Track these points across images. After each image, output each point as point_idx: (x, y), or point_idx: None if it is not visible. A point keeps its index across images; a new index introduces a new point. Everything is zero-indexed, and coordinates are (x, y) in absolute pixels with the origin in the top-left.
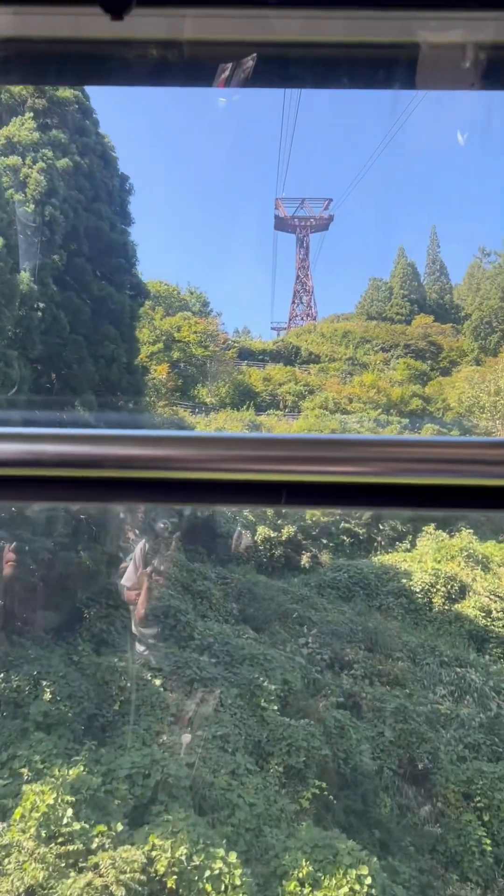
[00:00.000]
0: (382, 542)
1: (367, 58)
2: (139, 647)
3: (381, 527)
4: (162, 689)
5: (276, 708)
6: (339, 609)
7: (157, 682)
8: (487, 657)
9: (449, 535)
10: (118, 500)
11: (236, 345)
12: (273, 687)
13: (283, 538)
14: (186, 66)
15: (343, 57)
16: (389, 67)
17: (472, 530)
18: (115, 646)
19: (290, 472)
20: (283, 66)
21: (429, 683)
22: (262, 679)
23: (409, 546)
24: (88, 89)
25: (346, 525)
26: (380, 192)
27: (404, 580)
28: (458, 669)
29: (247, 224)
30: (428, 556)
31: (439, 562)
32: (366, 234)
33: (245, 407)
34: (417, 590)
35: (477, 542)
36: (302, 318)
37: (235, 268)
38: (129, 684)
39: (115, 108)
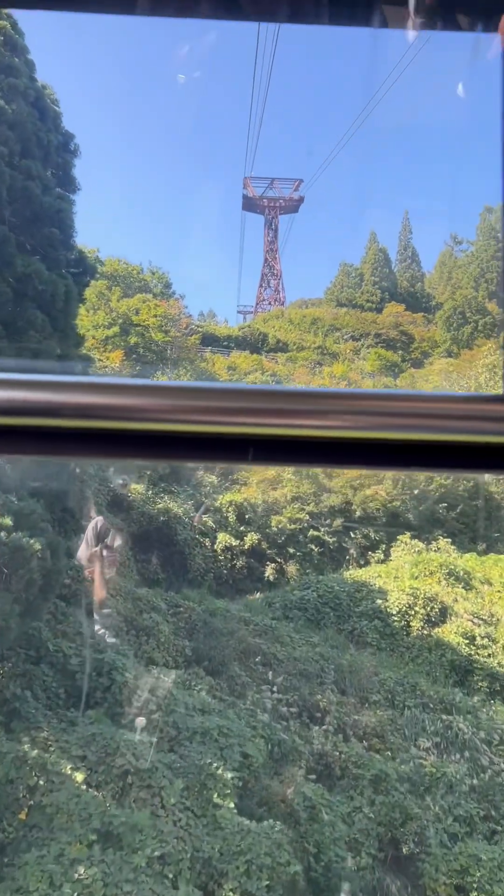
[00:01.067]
0: (354, 553)
1: None
2: (97, 629)
3: (352, 535)
4: (85, 789)
5: (232, 805)
6: (308, 639)
7: (78, 778)
8: (475, 699)
9: (426, 544)
10: (75, 454)
11: (200, 329)
12: (229, 775)
13: (246, 546)
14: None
15: None
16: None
17: (449, 539)
18: (30, 720)
19: (258, 424)
20: None
21: (410, 734)
22: (216, 763)
23: (382, 556)
24: (24, 25)
25: (315, 533)
26: (352, 173)
27: (379, 600)
28: (444, 716)
29: (213, 202)
30: (404, 572)
31: (417, 578)
32: (337, 218)
33: None
34: (394, 611)
35: (456, 555)
36: (269, 303)
37: (201, 248)
38: (38, 778)
39: (65, 61)
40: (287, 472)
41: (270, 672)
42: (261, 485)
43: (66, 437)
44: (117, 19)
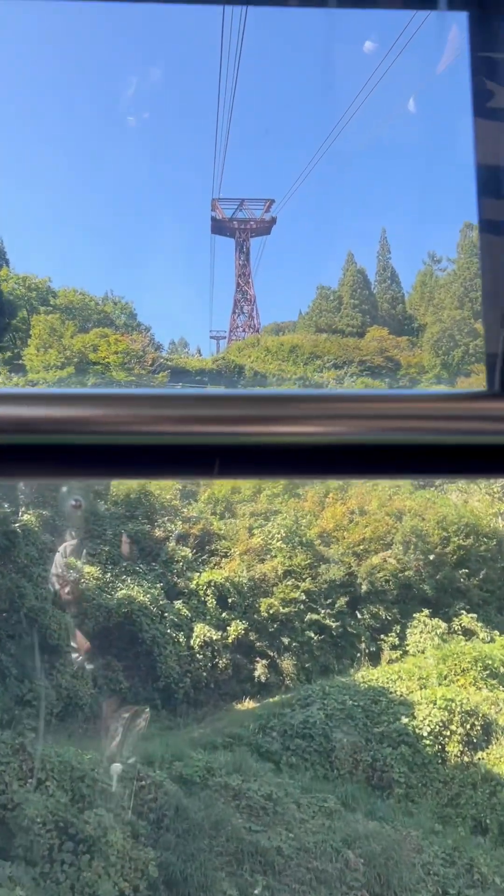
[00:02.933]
0: (363, 639)
1: None
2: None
3: (358, 615)
4: None
5: None
6: (321, 804)
7: None
8: None
9: (447, 624)
10: (17, 474)
11: (169, 363)
12: None
13: (230, 640)
14: None
15: None
16: None
17: (474, 614)
18: None
19: (223, 434)
20: None
21: None
22: None
23: (396, 640)
24: None
25: (314, 616)
26: (327, 191)
27: (404, 717)
28: None
29: (180, 226)
30: (430, 670)
31: (446, 679)
32: (311, 238)
33: None
34: (424, 732)
35: (485, 632)
36: (244, 330)
37: (169, 274)
38: None
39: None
40: (276, 539)
41: (275, 883)
42: (245, 557)
43: (7, 453)
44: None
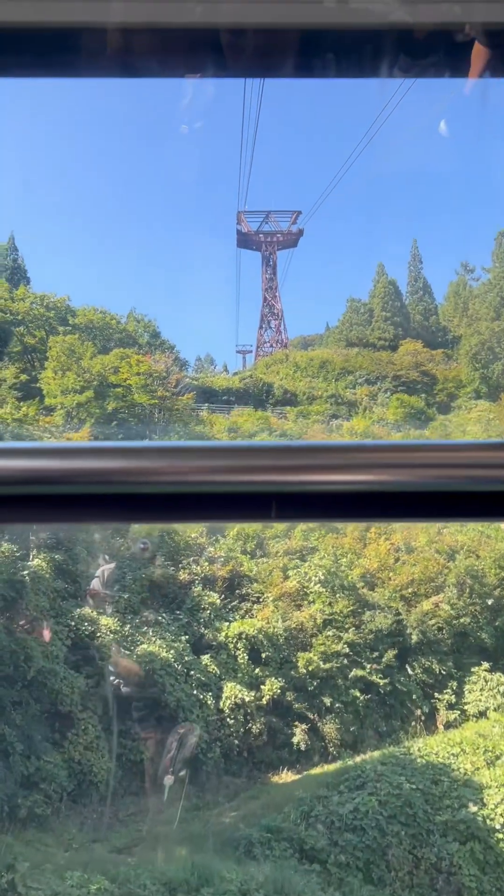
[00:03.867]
0: (415, 698)
1: (356, 35)
2: None
3: (408, 670)
4: None
5: None
6: None
7: None
8: None
9: None
10: (93, 519)
11: (195, 382)
12: None
13: (264, 701)
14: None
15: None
16: (376, 50)
17: None
18: None
19: (279, 483)
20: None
21: None
22: None
23: (453, 698)
24: None
25: (359, 672)
26: (355, 202)
27: (471, 803)
28: None
29: (204, 240)
30: (497, 741)
31: None
32: (340, 250)
33: None
34: (498, 823)
35: None
36: (271, 345)
37: (194, 291)
38: None
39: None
40: (314, 582)
41: None
42: (280, 603)
43: (84, 502)
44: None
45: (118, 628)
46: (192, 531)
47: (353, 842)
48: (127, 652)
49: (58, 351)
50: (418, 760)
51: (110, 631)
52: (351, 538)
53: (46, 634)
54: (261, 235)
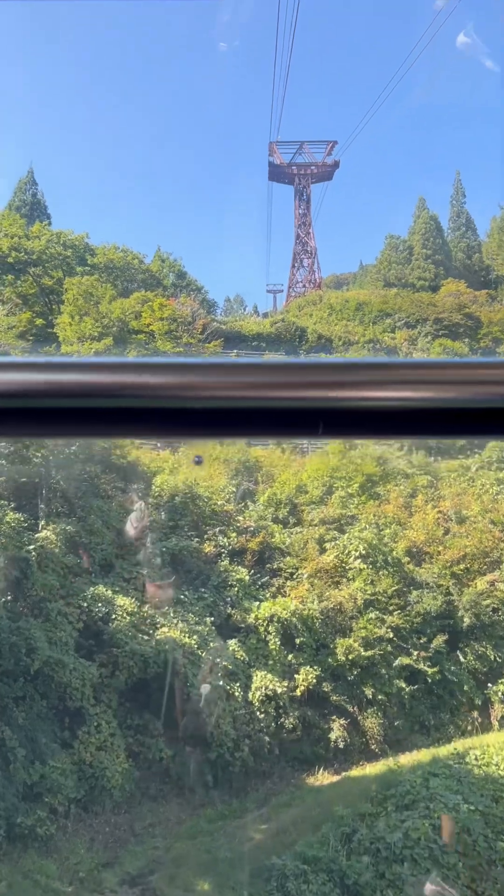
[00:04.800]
0: (467, 688)
1: None
2: None
3: (460, 657)
4: None
5: None
6: None
7: None
8: None
9: None
10: (140, 434)
11: (223, 327)
12: None
13: (299, 692)
14: None
15: None
16: None
17: None
18: None
19: (326, 399)
20: None
21: None
22: None
23: None
24: None
25: (405, 660)
26: (395, 132)
27: None
28: None
29: (234, 173)
30: None
31: None
32: (378, 183)
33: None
34: None
35: None
36: (304, 285)
37: (223, 228)
38: None
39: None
40: (354, 557)
41: None
42: (315, 581)
43: (132, 416)
44: None
45: (135, 609)
46: (219, 498)
47: (404, 875)
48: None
49: (74, 294)
50: (475, 771)
51: (126, 612)
52: (395, 506)
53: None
54: (294, 168)
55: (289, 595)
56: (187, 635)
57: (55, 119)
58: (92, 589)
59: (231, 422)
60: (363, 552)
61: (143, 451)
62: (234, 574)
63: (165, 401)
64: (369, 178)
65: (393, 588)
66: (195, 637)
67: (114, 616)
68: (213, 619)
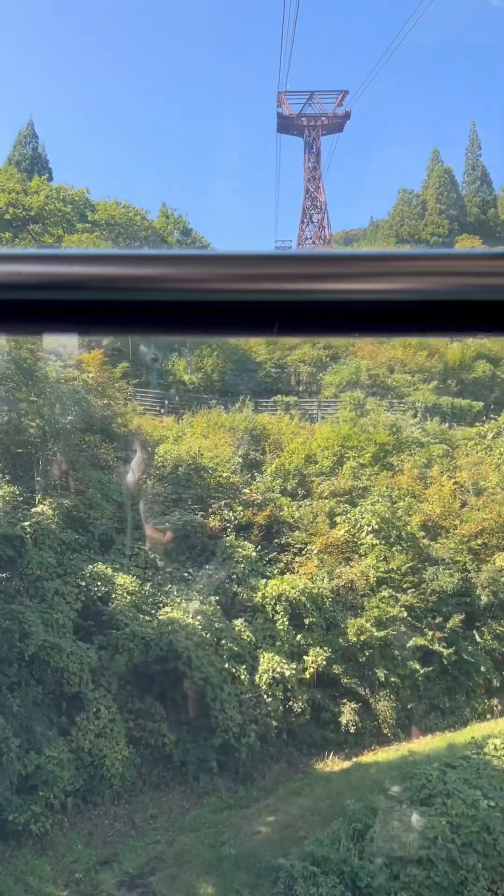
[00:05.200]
0: (485, 670)
1: None
2: None
3: (477, 637)
4: None
5: None
6: None
7: None
8: None
9: None
10: (102, 328)
11: None
12: None
13: (307, 674)
14: None
15: None
16: None
17: None
18: None
19: (284, 291)
20: None
21: None
22: None
23: None
24: None
25: (420, 640)
26: (408, 81)
27: None
28: None
29: (240, 125)
30: None
31: None
32: (390, 134)
33: (241, 396)
34: None
35: None
36: (313, 242)
37: (230, 181)
38: None
39: None
40: (366, 532)
41: None
42: (325, 557)
43: (85, 309)
44: None
45: (136, 588)
46: (225, 470)
47: (420, 877)
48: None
49: None
50: (494, 762)
51: (126, 592)
52: (409, 477)
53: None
54: (303, 119)
55: (297, 572)
56: (191, 615)
57: (56, 73)
58: (91, 567)
59: (186, 317)
60: (375, 526)
61: (145, 420)
62: (240, 550)
63: (127, 293)
64: (381, 130)
65: (407, 565)
66: (199, 618)
67: (114, 596)
68: (218, 597)
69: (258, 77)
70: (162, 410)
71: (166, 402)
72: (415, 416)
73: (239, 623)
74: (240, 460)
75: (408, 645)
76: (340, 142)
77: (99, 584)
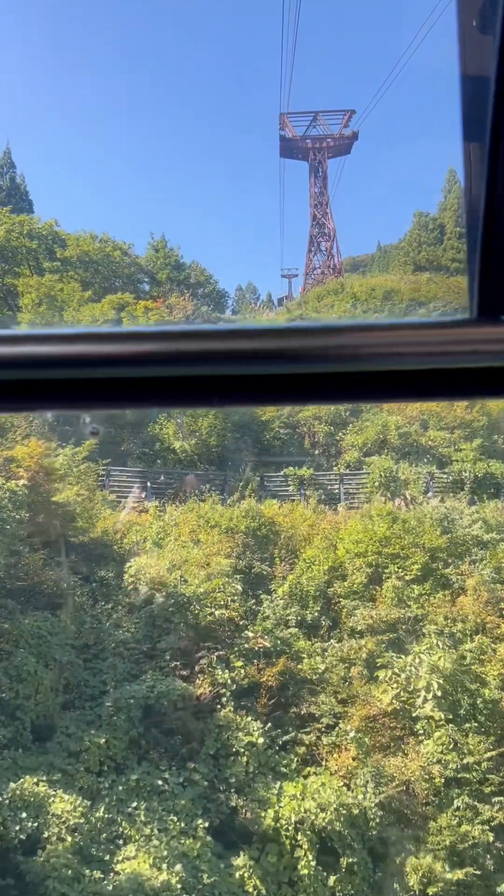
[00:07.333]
0: None
1: None
2: None
3: None
4: None
5: None
6: None
7: None
8: None
9: None
10: (37, 406)
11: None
12: None
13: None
14: None
15: None
16: None
17: None
18: None
19: (222, 367)
20: None
21: None
22: None
23: None
24: None
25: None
26: (418, 98)
27: None
28: None
29: (241, 151)
30: None
31: None
32: (402, 155)
33: (241, 465)
34: None
35: None
36: (322, 271)
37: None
38: None
39: None
40: (423, 699)
41: None
42: (366, 739)
43: (28, 388)
44: None
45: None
46: (220, 598)
47: None
48: None
49: (32, 299)
50: None
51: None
52: (475, 599)
53: None
54: (308, 141)
55: (326, 765)
56: (165, 869)
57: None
58: (12, 785)
59: (126, 394)
60: (437, 690)
61: (113, 516)
62: (239, 734)
63: (65, 370)
64: (393, 149)
65: (489, 752)
66: (178, 867)
67: (46, 835)
68: (204, 819)
69: (259, 96)
70: (143, 494)
71: (148, 483)
72: (469, 505)
73: (239, 862)
74: (239, 587)
75: (499, 890)
76: (348, 163)
77: (24, 815)
